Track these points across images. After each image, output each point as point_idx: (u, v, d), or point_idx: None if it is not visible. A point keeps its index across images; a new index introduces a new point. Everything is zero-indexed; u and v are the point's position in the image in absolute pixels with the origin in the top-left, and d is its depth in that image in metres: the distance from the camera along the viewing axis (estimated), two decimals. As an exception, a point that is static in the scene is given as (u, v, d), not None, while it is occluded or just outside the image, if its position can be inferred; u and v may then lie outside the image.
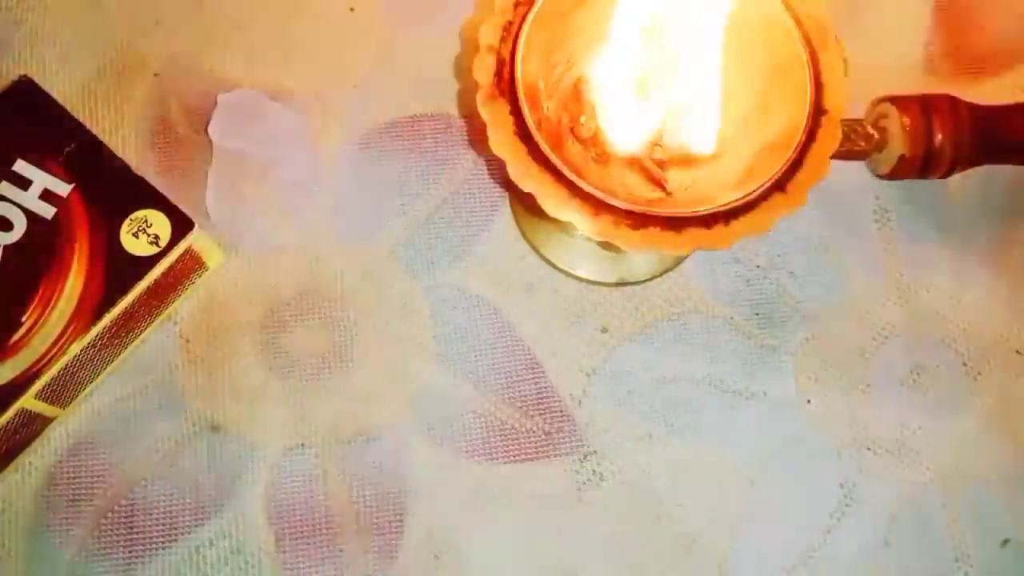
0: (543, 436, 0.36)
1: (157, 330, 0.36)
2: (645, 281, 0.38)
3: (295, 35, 0.40)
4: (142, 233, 0.33)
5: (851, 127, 0.36)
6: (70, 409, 0.35)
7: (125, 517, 0.35)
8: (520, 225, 0.39)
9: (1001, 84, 0.41)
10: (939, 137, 0.36)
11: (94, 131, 0.34)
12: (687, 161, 0.32)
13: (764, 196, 0.29)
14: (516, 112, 0.29)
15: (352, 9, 0.41)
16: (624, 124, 0.32)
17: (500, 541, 0.35)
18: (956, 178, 0.39)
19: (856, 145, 0.36)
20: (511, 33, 0.30)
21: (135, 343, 0.36)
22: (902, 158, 0.36)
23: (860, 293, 0.39)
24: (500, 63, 0.30)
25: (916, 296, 0.39)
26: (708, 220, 0.29)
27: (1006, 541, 0.36)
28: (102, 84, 0.39)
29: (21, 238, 0.32)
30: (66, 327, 0.32)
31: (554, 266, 0.38)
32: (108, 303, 0.32)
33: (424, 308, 0.38)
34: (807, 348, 0.38)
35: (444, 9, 0.41)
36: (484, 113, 0.29)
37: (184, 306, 0.37)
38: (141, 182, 0.33)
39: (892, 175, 0.37)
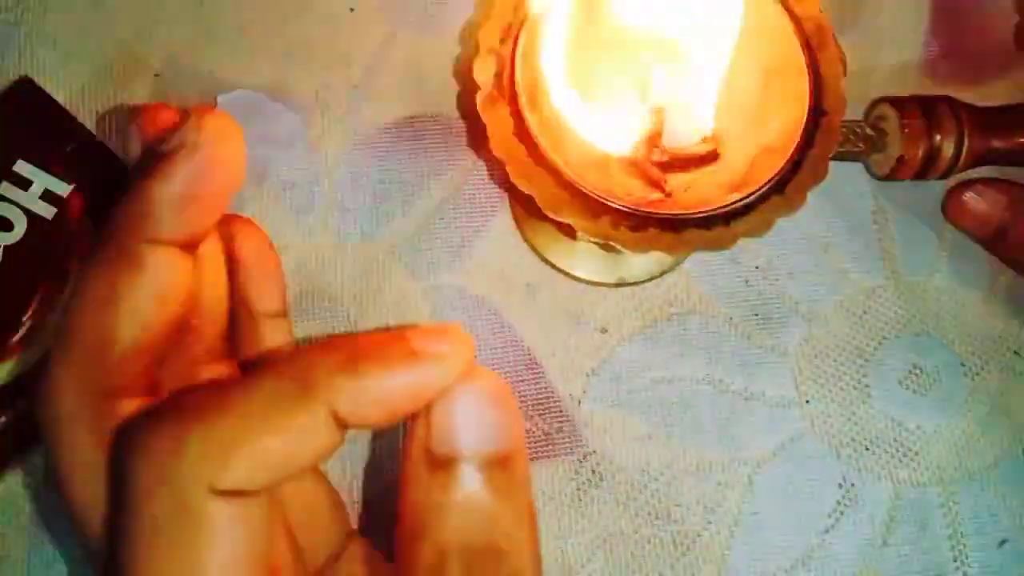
0: (543, 436, 0.36)
1: (157, 330, 0.36)
2: (645, 281, 0.38)
3: (295, 35, 0.40)
4: (142, 233, 0.33)
5: (850, 128, 0.36)
6: (70, 409, 0.35)
7: (125, 517, 0.35)
8: (520, 226, 0.39)
9: (1000, 85, 0.41)
10: (938, 138, 0.36)
11: (94, 131, 0.34)
12: (686, 163, 0.32)
13: (763, 198, 0.29)
14: (516, 113, 0.29)
15: (352, 9, 0.41)
16: (623, 126, 0.32)
17: (500, 541, 0.35)
18: (955, 179, 0.39)
19: (855, 146, 0.36)
20: (511, 34, 0.30)
21: (135, 343, 0.36)
22: (901, 159, 0.36)
23: (860, 293, 0.39)
24: (500, 64, 0.30)
25: (915, 296, 0.39)
26: (708, 222, 0.29)
27: (1004, 542, 0.36)
28: (102, 84, 0.39)
29: (21, 238, 0.32)
30: (67, 327, 0.32)
31: (554, 266, 0.38)
32: (108, 303, 0.32)
33: (424, 308, 0.38)
34: (807, 348, 0.38)
35: (444, 9, 0.41)
36: (484, 114, 0.29)
37: (184, 306, 0.37)
38: (141, 182, 0.33)
39: (891, 176, 0.37)
